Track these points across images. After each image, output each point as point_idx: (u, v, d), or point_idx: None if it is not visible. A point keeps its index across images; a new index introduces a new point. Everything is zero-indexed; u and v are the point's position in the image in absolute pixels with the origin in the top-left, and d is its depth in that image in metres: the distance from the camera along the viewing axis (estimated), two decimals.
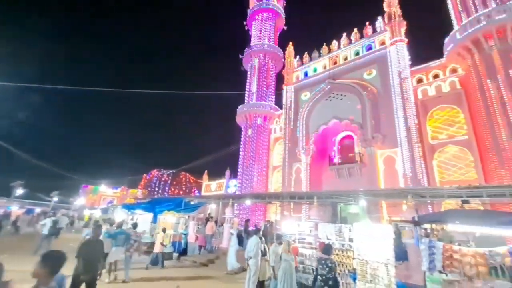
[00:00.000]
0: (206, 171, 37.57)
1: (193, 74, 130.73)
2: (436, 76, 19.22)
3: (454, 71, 18.50)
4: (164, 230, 12.27)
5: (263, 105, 29.83)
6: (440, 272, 5.33)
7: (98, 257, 5.66)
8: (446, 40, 18.27)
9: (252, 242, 7.65)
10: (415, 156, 17.29)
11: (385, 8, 22.07)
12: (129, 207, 18.78)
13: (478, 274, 4.85)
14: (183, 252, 14.05)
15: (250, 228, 15.69)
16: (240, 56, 33.73)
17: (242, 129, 30.74)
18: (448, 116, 17.97)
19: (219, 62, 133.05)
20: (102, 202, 43.51)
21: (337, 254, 8.26)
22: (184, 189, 45.13)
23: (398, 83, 19.46)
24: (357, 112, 21.04)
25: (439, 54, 19.23)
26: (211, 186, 35.57)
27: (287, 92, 27.76)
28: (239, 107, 31.03)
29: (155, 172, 48.20)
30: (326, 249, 6.31)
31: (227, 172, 33.43)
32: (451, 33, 18.02)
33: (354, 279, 7.69)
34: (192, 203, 19.12)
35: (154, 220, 15.71)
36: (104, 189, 46.46)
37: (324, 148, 23.92)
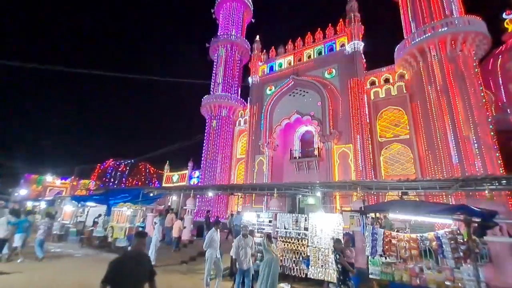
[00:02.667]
0: (167, 161, 36.22)
1: (157, 60, 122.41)
2: (386, 80, 21.14)
3: (402, 76, 20.53)
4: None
5: (228, 96, 29.62)
6: (381, 255, 6.04)
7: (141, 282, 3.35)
8: (397, 47, 20.11)
9: (208, 234, 7.82)
10: (366, 152, 18.98)
11: (346, 13, 23.32)
12: (80, 199, 17.37)
13: (411, 257, 5.62)
14: None
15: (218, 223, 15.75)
16: (207, 45, 32.80)
17: (207, 120, 30.24)
18: (395, 117, 19.99)
19: (186, 50, 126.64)
20: (48, 193, 39.25)
21: (293, 243, 8.86)
22: (143, 180, 42.99)
23: (354, 84, 20.93)
24: (317, 108, 22.18)
25: (391, 59, 21.09)
26: (172, 177, 34.50)
27: (253, 84, 27.94)
28: (204, 97, 30.37)
29: (110, 161, 44.88)
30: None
31: (190, 163, 32.74)
32: (401, 42, 19.87)
33: (308, 265, 8.37)
34: (151, 194, 18.42)
35: (108, 212, 14.81)
36: (51, 179, 41.83)
37: (286, 142, 24.84)
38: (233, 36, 31.94)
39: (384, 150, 19.61)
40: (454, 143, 15.80)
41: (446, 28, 17.52)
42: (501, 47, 27.09)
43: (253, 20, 36.19)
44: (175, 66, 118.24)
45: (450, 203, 13.65)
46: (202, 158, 28.68)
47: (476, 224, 5.19)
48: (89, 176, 44.19)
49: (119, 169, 44.51)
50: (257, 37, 29.81)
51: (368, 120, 19.89)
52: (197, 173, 31.07)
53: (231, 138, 29.11)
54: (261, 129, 25.14)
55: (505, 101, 22.79)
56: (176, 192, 22.36)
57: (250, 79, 28.43)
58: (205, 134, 29.54)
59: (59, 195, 31.26)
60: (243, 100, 30.21)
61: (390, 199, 15.92)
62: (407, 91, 19.90)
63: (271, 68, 27.69)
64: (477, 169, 14.84)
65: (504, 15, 28.95)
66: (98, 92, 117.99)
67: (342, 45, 23.12)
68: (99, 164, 44.51)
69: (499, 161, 15.28)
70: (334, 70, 22.86)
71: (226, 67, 31.02)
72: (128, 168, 44.89)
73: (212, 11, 35.02)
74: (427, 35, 18.04)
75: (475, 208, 6.05)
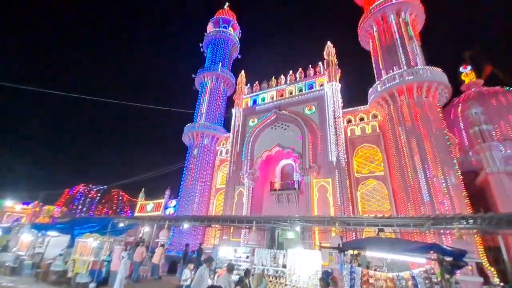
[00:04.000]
0: (143, 189, 34.52)
1: (142, 86, 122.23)
2: (361, 119, 22.59)
3: (375, 116, 22.06)
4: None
5: (211, 126, 29.90)
6: None
7: None
8: (370, 90, 21.90)
9: (199, 273, 7.00)
10: (343, 187, 19.43)
11: (325, 56, 25.42)
12: (41, 227, 15.81)
13: None
14: (103, 281, 12.33)
15: (200, 256, 14.79)
16: (193, 76, 33.75)
17: (188, 148, 29.91)
18: (370, 154, 21.04)
19: (171, 78, 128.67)
20: (6, 219, 35.26)
21: (270, 281, 8.51)
22: (114, 208, 40.28)
23: (332, 121, 22.10)
24: (298, 142, 22.85)
25: (366, 100, 22.75)
26: (147, 206, 32.68)
27: (236, 116, 28.57)
28: (187, 125, 30.41)
29: (80, 187, 41.99)
30: None
31: (167, 191, 31.45)
32: (373, 85, 21.72)
33: None
34: (121, 225, 17.23)
35: (71, 243, 13.53)
36: (11, 203, 37.83)
37: (267, 174, 24.92)
38: (219, 69, 33.29)
39: (360, 186, 20.22)
40: (424, 181, 16.72)
41: (412, 77, 19.53)
42: (460, 97, 30.33)
43: (239, 56, 38.24)
44: (159, 94, 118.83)
45: (424, 242, 14.00)
46: (181, 187, 27.78)
47: (447, 263, 5.37)
48: (55, 201, 40.77)
49: (89, 196, 41.64)
50: (242, 71, 31.29)
51: (345, 156, 20.70)
52: (173, 202, 29.77)
53: (212, 167, 28.79)
54: (242, 159, 25.19)
55: (467, 144, 24.92)
56: (149, 222, 21.10)
57: (233, 110, 29.16)
58: (186, 162, 29.00)
59: (17, 222, 28.30)
60: (226, 130, 30.57)
61: (367, 235, 16.10)
62: (381, 130, 21.28)
63: (255, 101, 28.71)
64: (446, 208, 15.61)
65: (461, 69, 32.97)
66: (74, 112, 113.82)
67: (321, 85, 24.74)
68: (67, 189, 41.47)
69: (466, 200, 16.24)
70: (314, 107, 24.14)
71: (211, 97, 31.79)
72: (99, 194, 42.18)
73: (201, 44, 36.72)
74: (396, 81, 19.94)
75: (446, 247, 6.29)
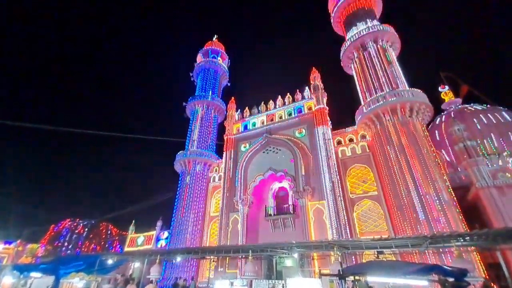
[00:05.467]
0: (133, 221, 33.12)
1: (131, 117, 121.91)
2: (351, 140, 23.08)
3: (363, 137, 22.61)
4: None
5: (203, 152, 29.78)
6: None
7: None
8: (356, 112, 22.66)
9: None
10: (339, 209, 19.26)
11: (311, 81, 26.50)
12: (23, 269, 14.69)
13: None
14: None
15: None
16: (184, 104, 34.22)
17: (180, 176, 29.46)
18: (362, 174, 21.21)
19: (160, 107, 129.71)
20: None
21: None
22: (102, 243, 38.20)
23: (322, 143, 22.45)
24: (290, 165, 22.93)
25: (354, 121, 23.40)
26: (137, 240, 31.17)
27: (228, 142, 28.70)
28: (178, 153, 30.22)
29: (67, 222, 39.93)
30: None
31: (159, 222, 30.30)
32: (359, 108, 22.52)
33: None
34: (110, 261, 16.27)
35: (55, 284, 12.58)
36: None
37: (261, 199, 24.55)
38: (210, 97, 33.93)
39: (356, 206, 20.10)
40: (418, 200, 16.83)
41: (395, 98, 20.43)
42: (442, 115, 31.72)
43: (229, 84, 39.35)
44: (150, 124, 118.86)
45: (425, 263, 13.79)
46: (173, 216, 26.89)
47: (450, 284, 5.29)
48: (39, 239, 38.38)
49: (76, 231, 39.54)
50: (232, 98, 32.05)
51: (338, 177, 20.78)
52: (166, 234, 28.57)
53: (205, 194, 28.21)
54: (235, 185, 24.88)
55: (454, 160, 25.60)
56: (139, 258, 20.02)
57: (225, 137, 29.36)
58: (178, 191, 28.40)
59: None
60: (218, 157, 30.49)
61: (367, 259, 15.72)
62: (370, 150, 21.69)
63: (245, 127, 29.09)
64: (442, 225, 15.60)
65: (440, 89, 34.87)
66: (62, 148, 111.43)
67: (310, 108, 25.44)
68: (53, 225, 39.35)
69: (460, 216, 16.32)
70: (304, 130, 24.60)
71: (202, 124, 32.06)
72: (86, 229, 40.12)
73: (191, 74, 37.74)
74: (380, 103, 20.78)
75: (447, 268, 6.21)
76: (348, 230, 18.62)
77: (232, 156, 27.45)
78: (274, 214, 22.71)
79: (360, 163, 21.60)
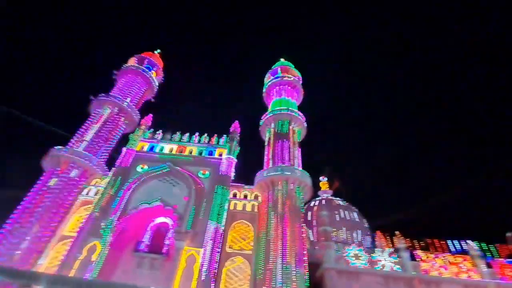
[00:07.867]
0: None
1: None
2: (245, 196, 24.96)
3: (256, 197, 24.85)
4: None
5: (91, 158, 25.34)
6: None
7: None
8: (257, 174, 25.22)
9: None
10: (213, 260, 19.32)
11: (230, 131, 28.51)
12: None
13: None
14: None
15: None
16: (91, 98, 29.69)
17: (44, 175, 23.70)
18: (244, 231, 22.64)
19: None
20: None
21: None
22: None
23: (221, 191, 23.30)
24: (182, 202, 22.30)
25: (253, 180, 25.57)
26: None
27: (126, 155, 25.87)
28: (57, 147, 24.67)
29: None
30: None
31: None
32: (260, 171, 25.25)
33: None
34: None
35: None
36: None
37: (136, 230, 22.08)
38: (126, 103, 30.79)
39: (229, 261, 20.64)
40: (280, 267, 18.81)
41: (289, 173, 24.02)
42: (316, 199, 38.70)
43: (153, 100, 37.18)
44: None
45: None
46: (11, 218, 20.55)
47: None
48: None
49: None
50: (150, 115, 30.34)
51: (223, 228, 21.37)
52: None
53: (67, 207, 23.06)
54: (112, 206, 21.81)
55: (316, 240, 30.73)
56: None
57: (124, 149, 26.48)
58: (33, 190, 22.45)
59: None
60: (107, 169, 26.55)
61: None
62: (258, 211, 23.78)
63: (152, 148, 27.39)
64: None
65: (320, 178, 43.32)
66: None
67: (220, 155, 26.64)
68: None
69: None
70: (208, 172, 25.11)
71: (104, 128, 28.04)
72: None
73: (114, 72, 34.13)
74: (277, 172, 23.98)
75: None
76: (213, 286, 18.50)
77: (123, 172, 24.57)
78: (145, 252, 20.56)
79: (246, 220, 23.13)
